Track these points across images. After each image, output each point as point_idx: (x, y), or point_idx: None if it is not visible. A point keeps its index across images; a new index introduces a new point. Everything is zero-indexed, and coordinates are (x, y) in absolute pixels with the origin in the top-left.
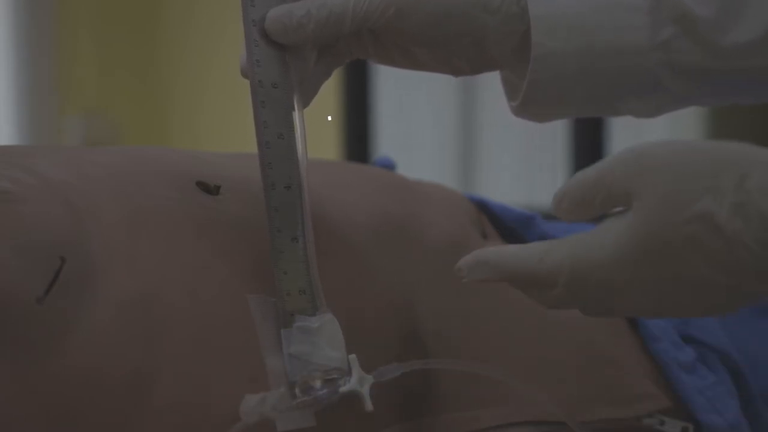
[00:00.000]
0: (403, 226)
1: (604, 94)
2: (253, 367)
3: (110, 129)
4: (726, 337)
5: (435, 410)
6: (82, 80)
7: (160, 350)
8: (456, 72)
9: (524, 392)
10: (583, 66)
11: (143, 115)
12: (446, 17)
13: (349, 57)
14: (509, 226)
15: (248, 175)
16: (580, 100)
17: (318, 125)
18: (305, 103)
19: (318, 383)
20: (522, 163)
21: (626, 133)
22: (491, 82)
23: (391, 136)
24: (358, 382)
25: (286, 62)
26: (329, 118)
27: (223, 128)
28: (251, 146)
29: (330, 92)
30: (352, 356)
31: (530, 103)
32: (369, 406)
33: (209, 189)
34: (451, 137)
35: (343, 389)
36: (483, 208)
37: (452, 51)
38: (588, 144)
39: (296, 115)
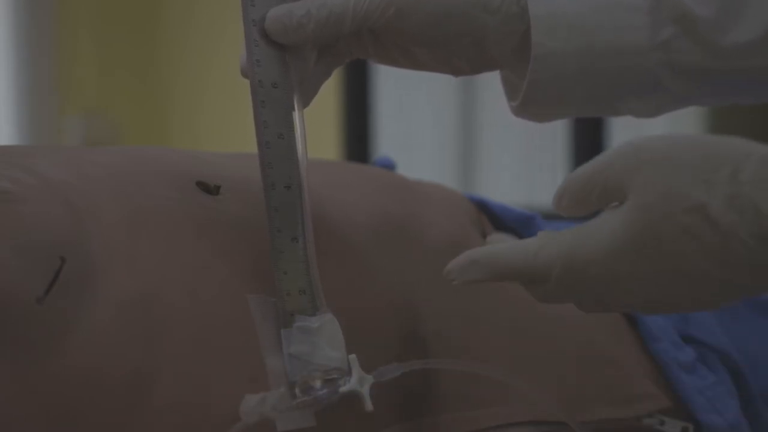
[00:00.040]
0: (403, 226)
1: (604, 94)
2: (253, 367)
3: (110, 129)
4: (726, 337)
5: (435, 410)
6: (82, 80)
7: (160, 350)
8: (456, 72)
9: (524, 392)
10: (583, 66)
11: (143, 115)
12: (446, 17)
13: (349, 57)
14: (509, 226)
15: (248, 175)
16: (580, 100)
17: (318, 125)
18: (305, 103)
19: (318, 383)
20: (522, 163)
21: (626, 133)
22: (491, 82)
23: (391, 136)
24: (358, 382)
25: (286, 62)
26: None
27: (223, 128)
28: (251, 146)
29: (330, 92)
30: (352, 356)
31: (530, 103)
32: (369, 406)
33: (209, 189)
34: (451, 137)
35: (343, 389)
36: (483, 208)
37: (452, 51)
38: (588, 144)
39: (296, 115)
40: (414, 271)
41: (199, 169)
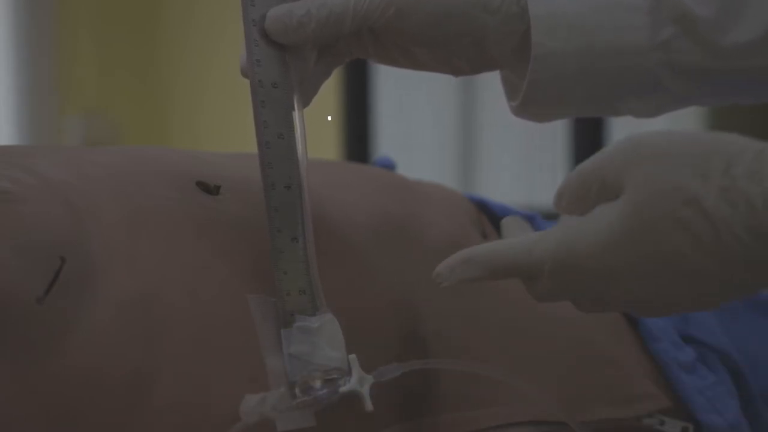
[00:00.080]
0: (403, 226)
1: (604, 94)
2: (253, 367)
3: (110, 129)
4: (726, 337)
5: (435, 410)
6: (82, 80)
7: (160, 350)
8: (456, 72)
9: (524, 392)
10: (583, 66)
11: (143, 115)
12: (446, 17)
13: (349, 57)
14: None
15: (248, 175)
16: (580, 100)
17: (318, 125)
18: (305, 103)
19: (318, 383)
20: (522, 163)
21: (626, 133)
22: (491, 82)
23: (391, 136)
24: (358, 382)
25: (286, 62)
26: (329, 118)
27: (223, 128)
28: (251, 146)
29: (330, 92)
30: (352, 356)
31: (530, 103)
32: (369, 406)
33: (209, 189)
34: (451, 137)
35: (343, 389)
36: (483, 208)
37: (452, 51)
38: (588, 144)
39: (296, 114)
40: (414, 271)
41: (199, 169)
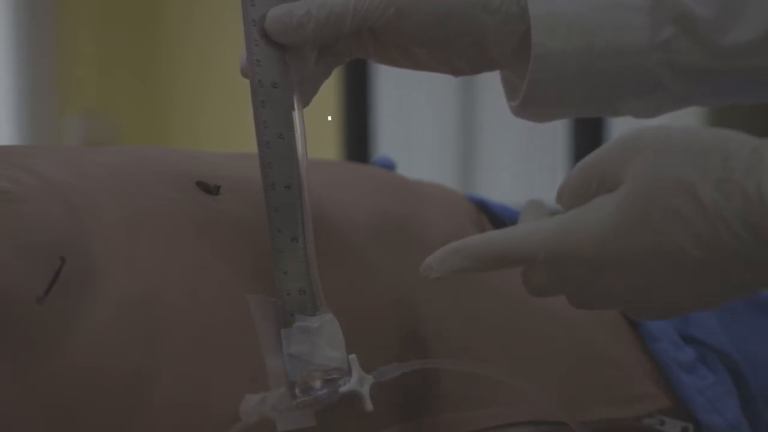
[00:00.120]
0: (403, 226)
1: (604, 94)
2: (253, 367)
3: (110, 129)
4: (726, 337)
5: (435, 410)
6: (82, 80)
7: (160, 350)
8: (456, 72)
9: (524, 392)
10: (583, 66)
11: (143, 115)
12: (446, 17)
13: (349, 57)
14: (509, 226)
15: (248, 175)
16: (580, 100)
17: (318, 125)
18: (305, 102)
19: (318, 383)
20: (522, 163)
21: None
22: (491, 82)
23: (391, 136)
24: (358, 382)
25: (286, 62)
26: (329, 118)
27: (223, 128)
28: (251, 146)
29: (330, 92)
30: (352, 356)
31: (530, 103)
32: (369, 406)
33: (209, 189)
34: (451, 137)
35: (343, 389)
36: (483, 208)
37: (452, 51)
38: (588, 144)
39: (296, 114)
40: (414, 271)
41: (199, 169)
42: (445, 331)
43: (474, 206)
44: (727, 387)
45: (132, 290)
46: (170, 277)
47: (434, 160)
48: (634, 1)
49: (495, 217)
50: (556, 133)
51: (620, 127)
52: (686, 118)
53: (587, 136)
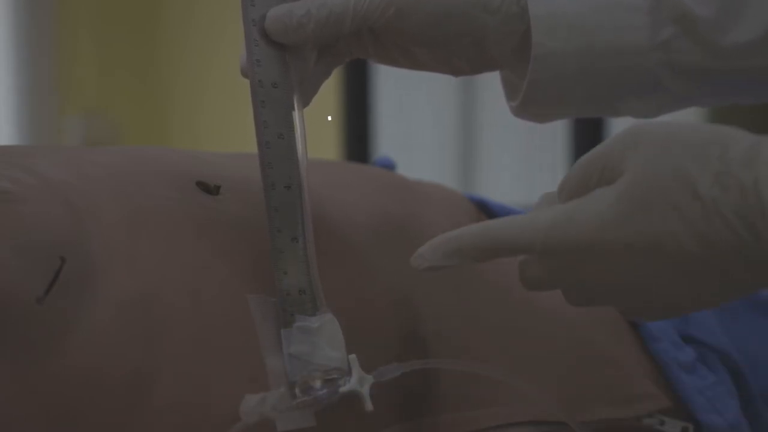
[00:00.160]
0: (403, 226)
1: (604, 94)
2: (253, 367)
3: (110, 129)
4: (726, 337)
5: (435, 410)
6: (82, 80)
7: (160, 350)
8: (456, 72)
9: (524, 392)
10: (583, 66)
11: (143, 115)
12: (446, 17)
13: (349, 57)
14: None
15: (248, 175)
16: (580, 100)
17: (318, 125)
18: (305, 102)
19: (318, 383)
20: (522, 163)
21: None
22: (491, 82)
23: (391, 136)
24: (358, 382)
25: (286, 62)
26: (329, 118)
27: (223, 128)
28: (251, 146)
29: (330, 92)
30: (352, 356)
31: (530, 103)
32: (369, 406)
33: (209, 189)
34: (451, 137)
35: (343, 389)
36: (483, 208)
37: (452, 51)
38: (588, 144)
39: (296, 114)
40: (414, 271)
41: (199, 169)
42: (445, 331)
43: (474, 206)
44: (727, 387)
45: (132, 290)
46: (170, 277)
47: (434, 160)
48: (634, 1)
49: (495, 217)
50: (556, 133)
51: (620, 127)
52: (686, 118)
53: (587, 136)
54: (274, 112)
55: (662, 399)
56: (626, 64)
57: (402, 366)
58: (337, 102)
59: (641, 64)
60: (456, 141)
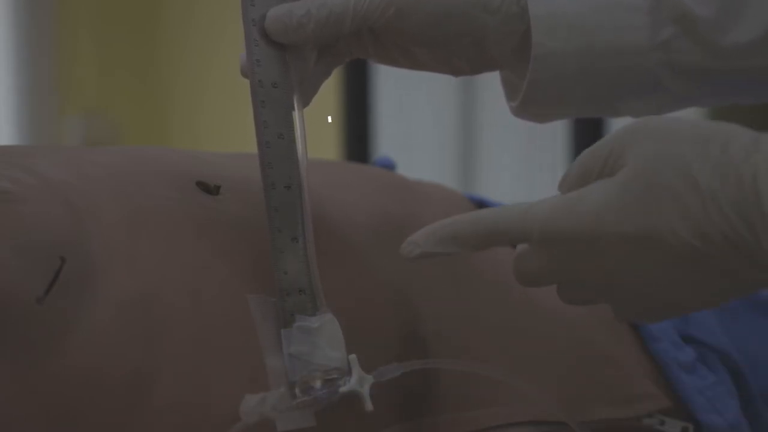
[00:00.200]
0: (403, 226)
1: (604, 94)
2: (253, 367)
3: (110, 129)
4: (726, 337)
5: (435, 410)
6: (82, 80)
7: (160, 350)
8: (456, 72)
9: (524, 392)
10: (583, 66)
11: (143, 115)
12: (446, 17)
13: (349, 57)
14: None
15: (248, 175)
16: (580, 100)
17: (318, 125)
18: (305, 102)
19: (318, 383)
20: (522, 163)
21: None
22: (491, 82)
23: (391, 136)
24: (358, 382)
25: (286, 62)
26: (329, 119)
27: (223, 128)
28: (251, 146)
29: (330, 92)
30: (352, 356)
31: (530, 103)
32: (369, 406)
33: (209, 189)
34: (451, 137)
35: (343, 389)
36: (483, 208)
37: (452, 51)
38: (588, 144)
39: (296, 114)
40: (414, 271)
41: (199, 169)
42: (445, 331)
43: (474, 206)
44: (727, 387)
45: (132, 290)
46: (170, 277)
47: (434, 160)
48: (634, 1)
49: None
50: (556, 133)
51: (620, 127)
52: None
53: (587, 136)
54: (274, 112)
55: (662, 399)
56: (626, 64)
57: (402, 366)
58: (337, 102)
59: (641, 64)
60: (456, 141)
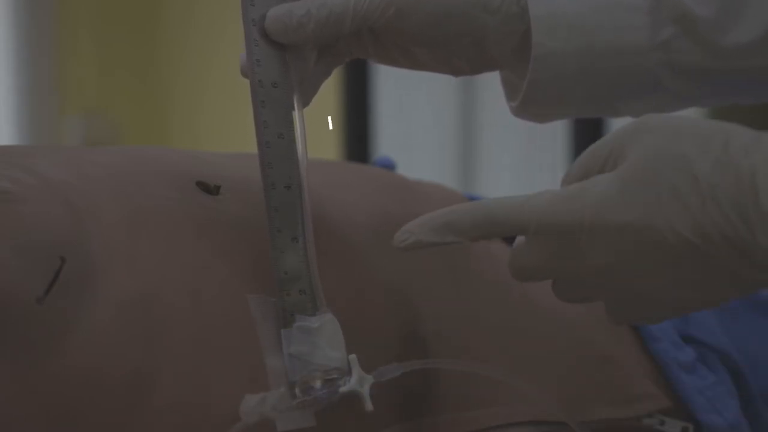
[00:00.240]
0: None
1: (604, 94)
2: (253, 367)
3: (110, 129)
4: (726, 337)
5: (435, 410)
6: (82, 80)
7: (160, 350)
8: (456, 72)
9: (524, 392)
10: (583, 66)
11: (143, 115)
12: (446, 17)
13: (349, 57)
14: None
15: (248, 175)
16: (580, 100)
17: (318, 125)
18: (305, 102)
19: (318, 383)
20: (522, 163)
21: None
22: (491, 82)
23: (391, 136)
24: (358, 382)
25: (286, 62)
26: (329, 119)
27: (223, 128)
28: (251, 146)
29: (330, 92)
30: (352, 356)
31: (530, 103)
32: (369, 406)
33: (209, 189)
34: (451, 137)
35: (343, 389)
36: None
37: (452, 51)
38: (588, 144)
39: (296, 114)
40: (414, 272)
41: (199, 169)
42: (445, 331)
43: None
44: (727, 387)
45: (132, 290)
46: (170, 277)
47: (434, 160)
48: (634, 1)
49: None
50: (556, 133)
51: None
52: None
53: (587, 136)
54: (274, 112)
55: (662, 399)
56: (626, 64)
57: (402, 366)
58: (337, 102)
59: (641, 64)
60: (456, 141)
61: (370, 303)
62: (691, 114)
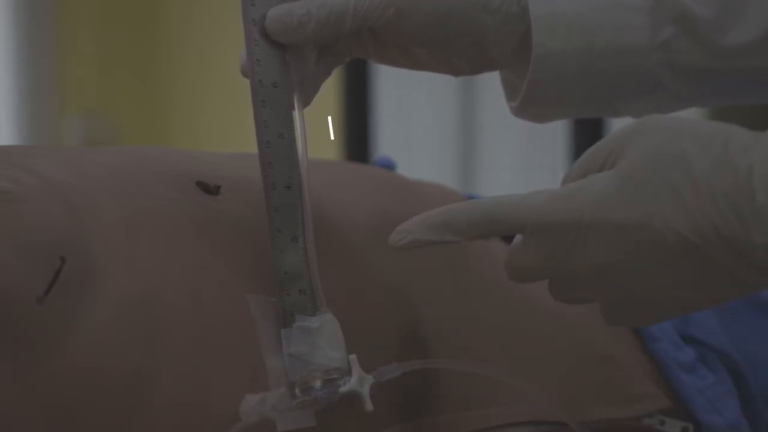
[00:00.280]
0: None
1: (604, 94)
2: (253, 367)
3: (110, 129)
4: (726, 337)
5: (435, 410)
6: (82, 80)
7: (160, 350)
8: (456, 72)
9: (524, 392)
10: (583, 66)
11: (143, 115)
12: (446, 17)
13: (349, 56)
14: None
15: (248, 175)
16: (580, 100)
17: (318, 125)
18: (305, 102)
19: (318, 383)
20: (522, 163)
21: None
22: (491, 82)
23: (391, 136)
24: (358, 382)
25: (286, 62)
26: (330, 127)
27: (223, 128)
28: (251, 146)
29: (330, 92)
30: (352, 356)
31: (530, 103)
32: (369, 406)
33: (209, 189)
34: (451, 137)
35: (343, 389)
36: None
37: (452, 51)
38: (588, 144)
39: (296, 114)
40: (415, 272)
41: (199, 169)
42: (445, 331)
43: None
44: (727, 387)
45: (132, 290)
46: (170, 277)
47: (434, 160)
48: (634, 1)
49: None
50: (556, 133)
51: (620, 127)
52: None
53: (587, 136)
54: (274, 112)
55: (662, 399)
56: (626, 64)
57: (402, 366)
58: (337, 102)
59: (641, 64)
60: (456, 141)
61: (370, 303)
62: (691, 114)
